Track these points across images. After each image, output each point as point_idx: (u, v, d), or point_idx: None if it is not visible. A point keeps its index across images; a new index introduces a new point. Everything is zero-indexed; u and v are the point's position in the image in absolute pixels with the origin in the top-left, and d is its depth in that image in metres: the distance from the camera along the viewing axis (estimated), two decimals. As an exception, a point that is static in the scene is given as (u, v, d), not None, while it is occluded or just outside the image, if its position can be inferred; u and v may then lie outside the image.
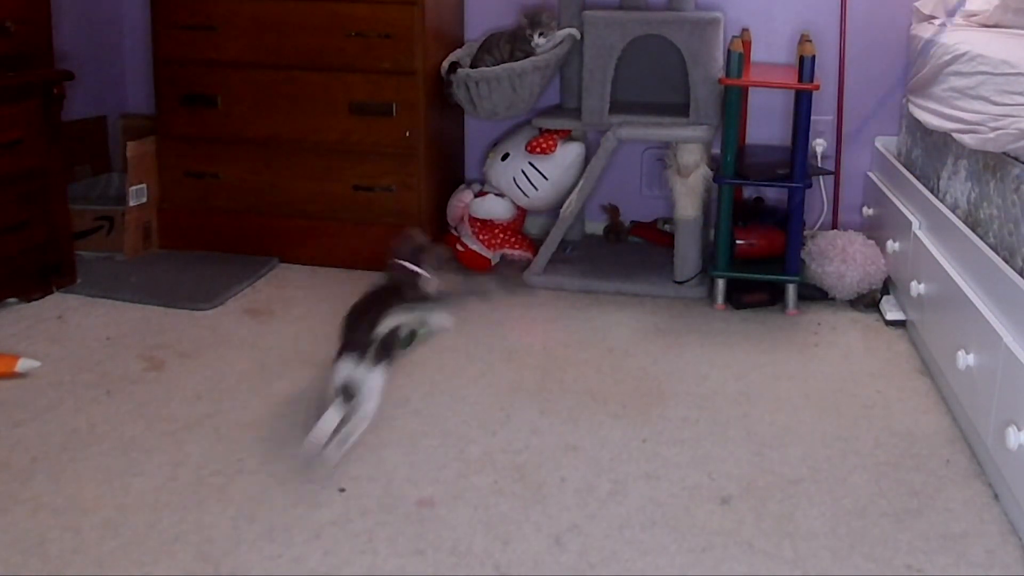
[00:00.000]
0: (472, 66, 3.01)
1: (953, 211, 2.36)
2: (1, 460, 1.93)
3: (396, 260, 2.22)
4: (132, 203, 3.09)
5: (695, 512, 1.80)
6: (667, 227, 3.21)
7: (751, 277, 2.83)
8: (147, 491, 1.84)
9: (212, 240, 3.17)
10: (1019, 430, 1.68)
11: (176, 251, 3.18)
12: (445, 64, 3.02)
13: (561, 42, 3.00)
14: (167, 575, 1.61)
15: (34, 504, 1.78)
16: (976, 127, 2.18)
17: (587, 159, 3.03)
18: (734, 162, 2.77)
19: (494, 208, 3.08)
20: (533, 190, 3.04)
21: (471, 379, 2.34)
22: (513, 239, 3.11)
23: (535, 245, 3.07)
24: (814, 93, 2.72)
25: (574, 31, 3.00)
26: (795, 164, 2.74)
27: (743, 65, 2.75)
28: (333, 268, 3.08)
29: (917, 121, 2.70)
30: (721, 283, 2.83)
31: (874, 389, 2.32)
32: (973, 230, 2.18)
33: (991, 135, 2.08)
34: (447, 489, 1.86)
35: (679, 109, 2.93)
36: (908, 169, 2.83)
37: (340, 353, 1.94)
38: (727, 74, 2.73)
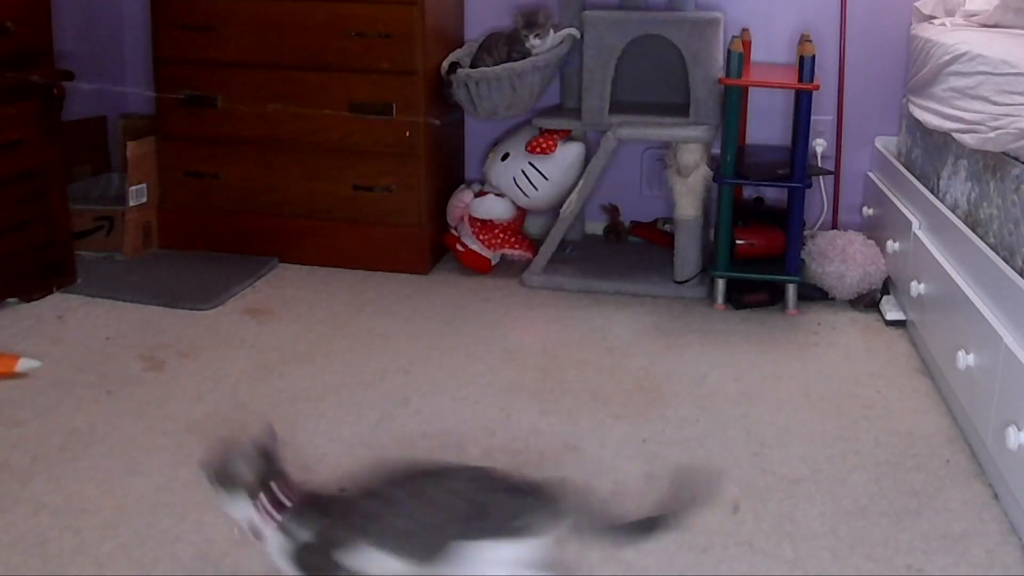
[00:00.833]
0: (472, 66, 3.00)
1: (953, 211, 2.36)
2: (1, 460, 1.93)
3: None
4: (132, 203, 3.08)
5: (695, 512, 1.80)
6: (667, 227, 3.21)
7: (751, 277, 2.83)
8: (147, 491, 1.84)
9: (212, 240, 3.17)
10: (1019, 430, 1.68)
11: (176, 251, 3.18)
12: (445, 64, 3.02)
13: (561, 42, 2.99)
14: (167, 575, 1.61)
15: (34, 504, 1.78)
16: (976, 127, 2.18)
17: (587, 159, 3.02)
18: (734, 162, 2.77)
19: (494, 208, 3.08)
20: (533, 190, 3.03)
21: (471, 379, 2.34)
22: (513, 239, 3.11)
23: (535, 245, 3.07)
24: (814, 93, 2.72)
25: (574, 31, 3.00)
26: (795, 164, 2.74)
27: (743, 65, 2.75)
28: (333, 268, 3.08)
29: (917, 121, 2.70)
30: (721, 283, 2.83)
31: (874, 389, 2.32)
32: (973, 230, 2.18)
33: (991, 135, 2.08)
34: (447, 489, 1.86)
35: (679, 109, 2.93)
36: (908, 169, 2.83)
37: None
38: (727, 74, 2.73)
